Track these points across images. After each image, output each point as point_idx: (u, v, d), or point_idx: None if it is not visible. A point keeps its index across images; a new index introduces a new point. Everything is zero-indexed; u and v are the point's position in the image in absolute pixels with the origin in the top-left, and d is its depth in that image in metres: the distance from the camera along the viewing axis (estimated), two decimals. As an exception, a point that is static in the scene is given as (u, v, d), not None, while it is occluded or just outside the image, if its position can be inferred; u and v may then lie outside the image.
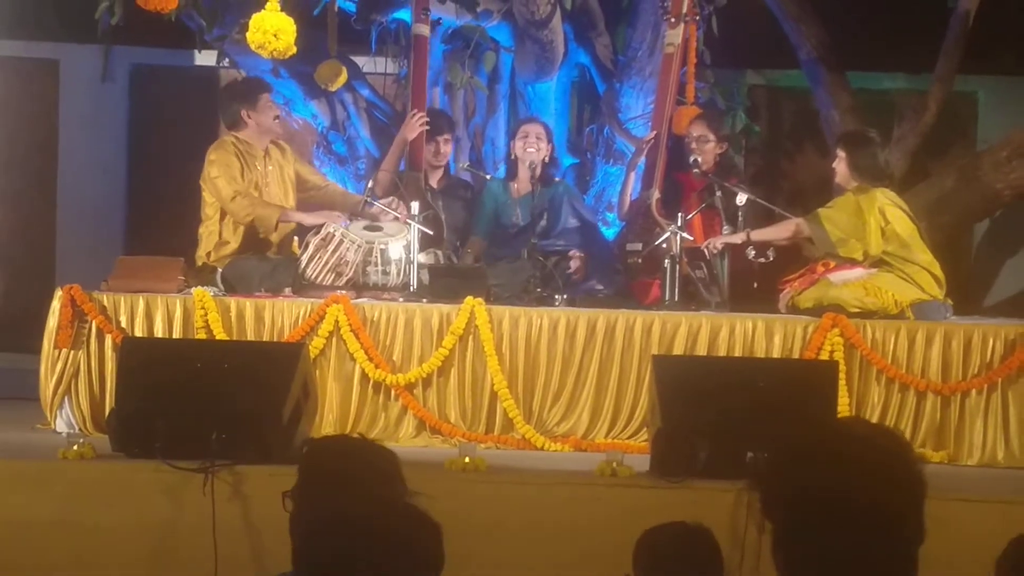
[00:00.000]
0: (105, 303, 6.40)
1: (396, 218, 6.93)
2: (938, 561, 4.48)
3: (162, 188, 9.10)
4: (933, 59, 8.36)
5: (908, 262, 6.68)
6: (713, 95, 8.40)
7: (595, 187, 8.31)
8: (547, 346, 6.40)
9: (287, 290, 6.67)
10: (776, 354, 6.33)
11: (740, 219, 6.92)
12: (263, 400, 5.51)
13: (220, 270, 6.84)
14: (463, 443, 5.97)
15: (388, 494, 2.92)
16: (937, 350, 6.36)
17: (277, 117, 7.32)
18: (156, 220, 9.01)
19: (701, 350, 6.34)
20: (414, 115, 7.39)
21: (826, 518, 1.81)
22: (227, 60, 8.31)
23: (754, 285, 6.91)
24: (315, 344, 6.30)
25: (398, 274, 6.71)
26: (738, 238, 6.84)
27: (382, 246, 6.72)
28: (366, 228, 6.84)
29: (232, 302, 6.46)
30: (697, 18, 7.64)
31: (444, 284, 6.66)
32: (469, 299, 6.39)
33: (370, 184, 7.19)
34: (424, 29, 7.58)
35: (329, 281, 6.66)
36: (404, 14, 8.07)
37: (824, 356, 6.25)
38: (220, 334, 6.30)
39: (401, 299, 6.60)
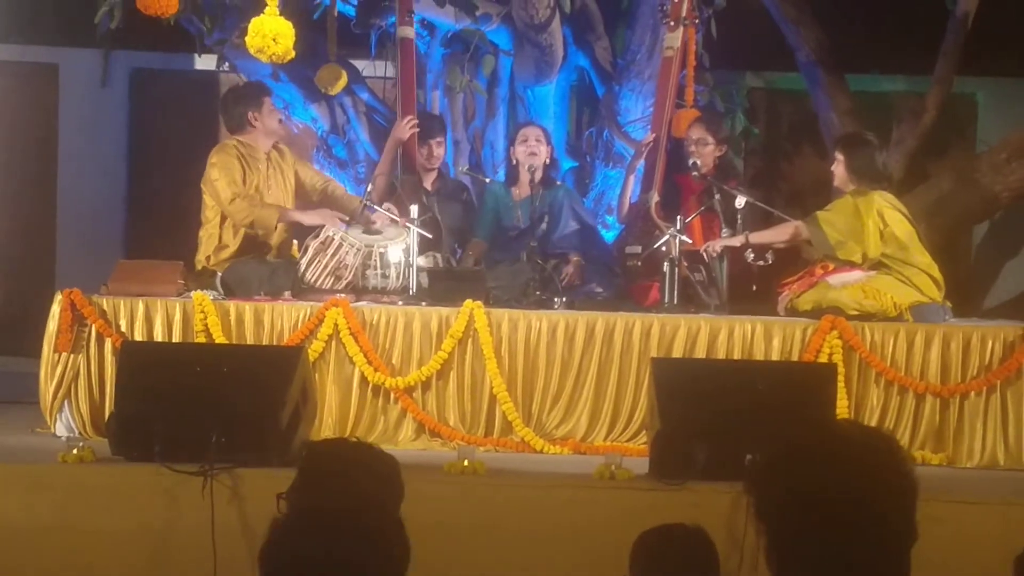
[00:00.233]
0: (105, 307, 6.41)
1: (395, 221, 6.94)
2: (938, 563, 4.49)
3: (162, 192, 9.11)
4: (932, 61, 8.36)
5: (907, 264, 6.68)
6: (712, 98, 8.41)
7: (594, 190, 8.32)
8: (546, 349, 6.41)
9: (286, 293, 6.68)
10: (775, 356, 6.33)
11: (739, 222, 6.92)
12: (262, 403, 5.52)
13: (220, 274, 6.85)
14: (462, 446, 5.97)
15: (384, 499, 2.92)
16: (936, 352, 6.37)
17: (280, 120, 7.36)
18: (156, 224, 9.02)
19: (700, 352, 6.34)
20: (404, 118, 7.41)
21: (817, 519, 1.81)
22: (227, 64, 8.32)
23: (753, 288, 6.91)
24: (314, 347, 6.30)
25: (397, 277, 6.72)
26: (737, 241, 6.84)
27: (381, 249, 6.74)
28: (365, 232, 6.85)
29: (231, 306, 6.46)
30: (696, 21, 7.65)
31: (443, 287, 6.67)
32: (468, 302, 6.39)
33: (368, 188, 7.20)
34: (409, 32, 7.58)
35: (328, 284, 6.68)
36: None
37: (823, 358, 6.25)
38: (219, 338, 6.31)
39: (400, 302, 6.60)
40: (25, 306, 8.41)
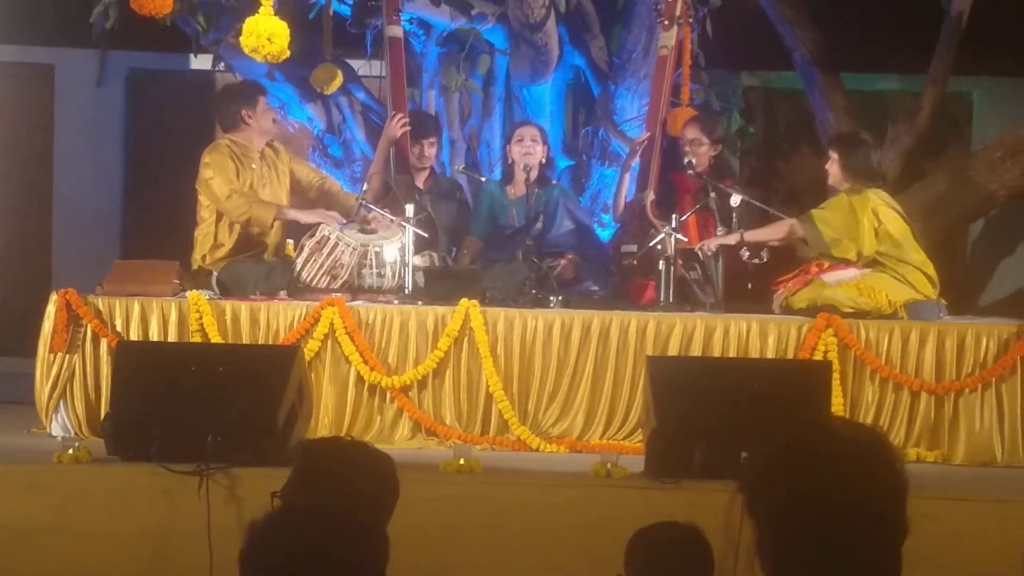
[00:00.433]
0: (100, 307, 6.41)
1: (391, 221, 6.94)
2: (932, 560, 4.49)
3: (158, 192, 9.10)
4: (927, 60, 8.36)
5: (901, 262, 6.69)
6: (708, 97, 8.41)
7: (590, 189, 8.32)
8: (542, 348, 6.41)
9: (282, 293, 6.68)
10: (770, 355, 6.34)
11: (734, 220, 6.93)
12: (258, 403, 5.52)
13: (215, 273, 6.85)
14: (458, 445, 5.98)
15: (379, 498, 2.92)
16: (931, 350, 6.38)
17: (274, 119, 7.36)
18: (152, 224, 9.01)
19: (696, 351, 6.35)
20: (394, 116, 7.41)
21: (808, 517, 1.82)
22: (223, 64, 8.32)
23: (748, 286, 6.92)
24: (310, 347, 6.31)
25: (393, 276, 6.72)
26: (732, 239, 6.85)
27: (377, 249, 6.74)
28: (361, 231, 6.85)
29: (227, 305, 6.46)
30: (691, 20, 7.66)
31: (439, 286, 6.67)
32: (464, 301, 6.40)
33: (364, 187, 7.20)
34: (397, 31, 7.58)
35: (324, 284, 6.68)
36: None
37: (818, 356, 6.26)
38: (215, 337, 6.31)
39: (396, 301, 6.60)
40: (21, 306, 8.41)
